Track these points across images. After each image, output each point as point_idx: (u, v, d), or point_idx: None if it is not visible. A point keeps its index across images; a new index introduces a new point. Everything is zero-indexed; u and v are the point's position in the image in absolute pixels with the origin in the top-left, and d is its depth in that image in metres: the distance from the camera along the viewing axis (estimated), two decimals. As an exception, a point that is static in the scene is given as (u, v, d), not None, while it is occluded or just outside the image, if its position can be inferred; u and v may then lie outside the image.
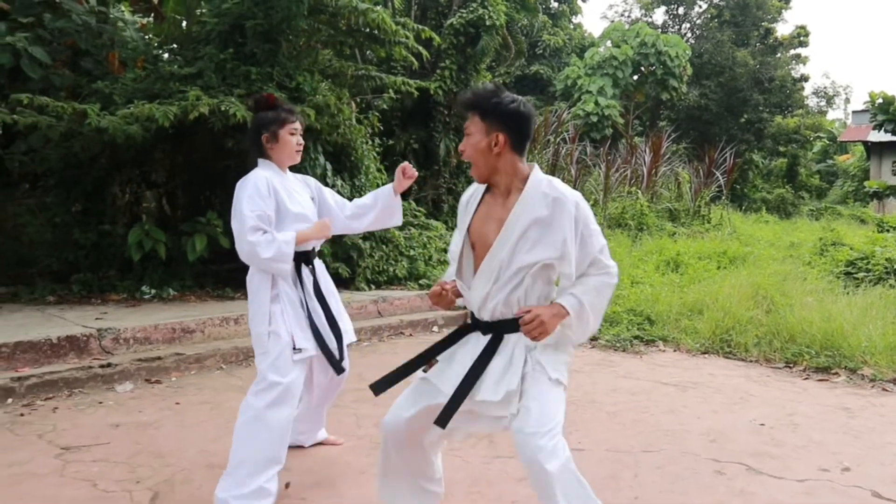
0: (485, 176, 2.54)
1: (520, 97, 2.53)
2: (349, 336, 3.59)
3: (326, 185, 7.39)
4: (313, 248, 3.55)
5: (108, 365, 5.12)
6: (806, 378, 5.71)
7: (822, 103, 36.23)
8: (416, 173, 3.59)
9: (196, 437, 4.07)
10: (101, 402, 4.69)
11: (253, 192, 3.25)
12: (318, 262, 3.60)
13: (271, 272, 3.31)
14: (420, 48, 8.37)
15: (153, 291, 6.90)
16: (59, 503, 3.18)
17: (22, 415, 4.38)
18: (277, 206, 3.33)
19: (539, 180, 2.49)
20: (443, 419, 2.49)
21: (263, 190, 3.27)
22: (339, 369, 3.47)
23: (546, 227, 2.44)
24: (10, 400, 4.58)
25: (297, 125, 3.47)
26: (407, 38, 7.85)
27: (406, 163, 3.62)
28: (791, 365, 6.01)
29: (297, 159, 3.51)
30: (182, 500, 3.25)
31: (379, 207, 3.63)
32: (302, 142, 3.51)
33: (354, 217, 3.68)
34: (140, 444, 3.95)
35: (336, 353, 3.43)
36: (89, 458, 3.73)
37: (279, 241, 3.24)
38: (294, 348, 3.26)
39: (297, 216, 3.40)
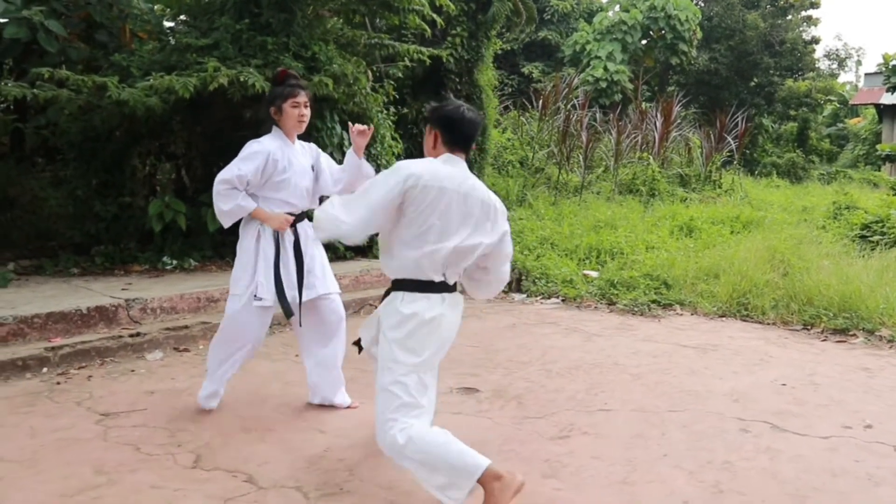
0: None
1: (456, 105, 3.04)
2: (314, 291, 3.94)
3: (343, 153, 7.46)
4: (302, 213, 3.95)
5: (138, 334, 5.22)
6: (824, 340, 5.78)
7: (834, 66, 35.80)
8: (366, 127, 3.89)
9: (230, 403, 4.17)
10: (133, 371, 4.79)
11: (248, 155, 3.77)
12: (307, 226, 3.95)
13: (220, 217, 3.83)
14: (434, 16, 8.32)
15: (174, 262, 6.97)
16: (106, 466, 3.28)
17: (58, 383, 4.49)
18: (271, 174, 3.81)
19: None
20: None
21: (259, 161, 3.76)
22: (287, 314, 3.89)
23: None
24: (45, 369, 4.68)
25: (301, 98, 3.84)
26: (422, 5, 7.81)
27: (356, 124, 3.93)
28: (809, 327, 6.08)
29: (301, 129, 3.93)
30: (223, 463, 3.35)
31: (348, 172, 4.01)
32: (305, 112, 3.87)
33: (337, 183, 4.05)
34: (176, 410, 4.05)
35: (295, 305, 3.88)
36: (129, 423, 3.84)
37: (241, 202, 3.75)
38: (255, 297, 3.79)
39: (281, 182, 3.83)
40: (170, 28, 8.40)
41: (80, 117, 6.79)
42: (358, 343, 3.28)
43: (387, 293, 3.05)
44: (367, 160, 7.78)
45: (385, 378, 2.86)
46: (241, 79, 6.14)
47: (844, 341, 5.70)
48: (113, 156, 7.10)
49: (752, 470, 3.30)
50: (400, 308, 2.87)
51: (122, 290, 5.90)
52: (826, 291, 6.30)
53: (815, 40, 29.66)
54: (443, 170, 2.90)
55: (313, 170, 4.01)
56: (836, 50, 36.85)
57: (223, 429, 3.76)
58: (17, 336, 4.88)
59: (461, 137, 3.00)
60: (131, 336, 5.18)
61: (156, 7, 8.50)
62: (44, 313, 5.04)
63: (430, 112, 3.09)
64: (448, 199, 2.84)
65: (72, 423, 3.83)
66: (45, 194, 7.68)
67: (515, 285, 7.73)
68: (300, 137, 4.05)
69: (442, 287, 2.91)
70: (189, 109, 6.95)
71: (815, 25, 30.01)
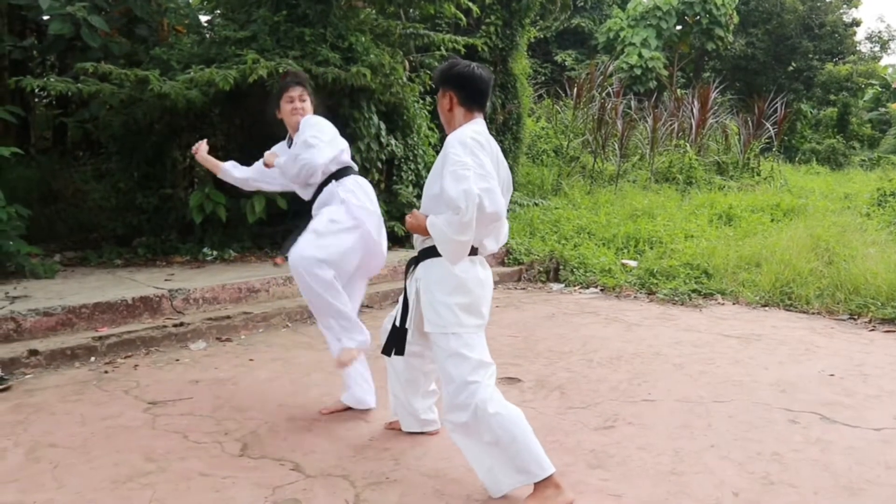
0: (446, 128, 3.01)
1: (465, 63, 2.99)
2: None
3: (381, 144, 7.47)
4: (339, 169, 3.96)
5: (181, 324, 5.29)
6: (872, 329, 5.66)
7: (876, 49, 34.76)
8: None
9: (273, 392, 4.22)
10: (177, 360, 4.86)
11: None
12: (341, 183, 3.92)
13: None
14: (470, 4, 8.28)
15: (215, 253, 7.05)
16: (155, 453, 3.33)
17: (106, 372, 4.57)
18: None
19: (460, 128, 2.88)
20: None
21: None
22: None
23: (437, 166, 2.90)
24: (92, 358, 4.77)
25: (293, 92, 3.93)
26: (460, -6, 7.79)
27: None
28: (856, 317, 5.96)
29: (297, 118, 3.93)
30: (270, 451, 3.38)
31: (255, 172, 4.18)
32: (297, 105, 3.92)
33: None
34: (221, 399, 4.10)
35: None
36: (176, 412, 3.89)
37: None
38: None
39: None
40: (206, 21, 8.48)
41: (122, 111, 6.89)
42: (392, 348, 3.16)
43: (414, 263, 3.06)
44: (405, 149, 7.85)
45: (452, 343, 2.84)
46: (280, 70, 6.17)
47: (893, 331, 5.57)
48: (154, 148, 7.20)
49: (803, 461, 3.24)
50: (457, 272, 2.85)
51: (165, 280, 5.99)
52: (873, 280, 6.16)
53: (856, 22, 28.95)
54: (486, 132, 2.92)
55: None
56: (879, 32, 35.75)
57: (269, 417, 3.80)
58: (66, 326, 4.99)
59: (477, 93, 2.96)
60: (175, 326, 5.25)
61: (191, 1, 8.59)
62: (91, 303, 5.13)
63: (440, 74, 3.03)
64: (496, 163, 2.89)
65: (120, 411, 3.89)
66: (88, 187, 7.82)
67: (553, 275, 7.69)
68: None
69: (476, 250, 2.94)
70: (228, 102, 7.02)
71: (856, 7, 29.33)
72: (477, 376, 2.81)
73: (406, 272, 3.17)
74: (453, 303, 2.85)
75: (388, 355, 3.21)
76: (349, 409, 3.89)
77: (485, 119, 3.02)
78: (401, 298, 3.14)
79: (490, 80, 3.00)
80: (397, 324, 3.13)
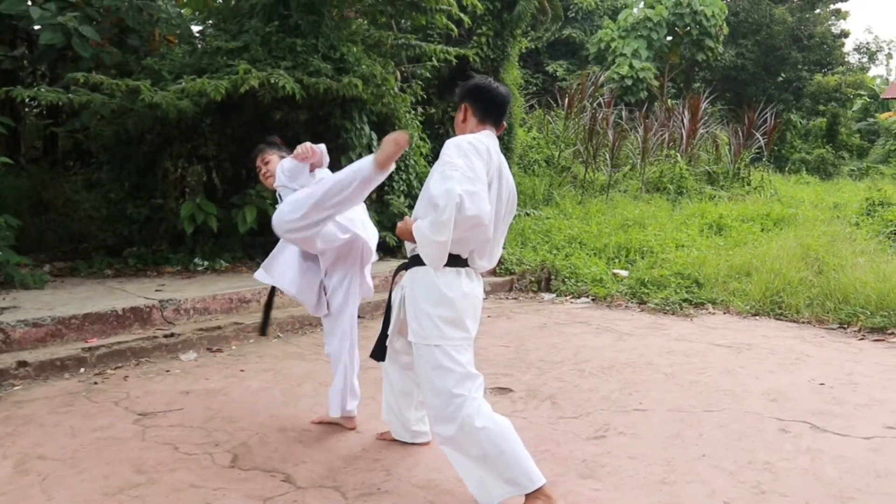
0: None
1: (484, 77, 3.06)
2: None
3: (371, 153, 7.47)
4: None
5: (172, 335, 5.27)
6: (861, 338, 5.69)
7: (864, 59, 35.16)
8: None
9: (264, 403, 4.20)
10: (168, 371, 4.84)
11: None
12: None
13: None
14: (462, 15, 8.33)
15: (206, 263, 7.04)
16: (145, 465, 3.31)
17: (96, 383, 4.54)
18: None
19: (462, 135, 2.90)
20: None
21: None
22: None
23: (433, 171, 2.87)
24: (82, 369, 4.75)
25: (258, 161, 4.04)
26: (451, 5, 7.81)
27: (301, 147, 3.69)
28: (845, 326, 5.99)
29: (271, 181, 3.93)
30: (260, 462, 3.36)
31: None
32: (264, 170, 3.99)
33: None
34: (212, 410, 4.08)
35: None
36: (166, 423, 3.87)
37: None
38: None
39: None
40: (198, 32, 8.49)
41: (113, 121, 6.88)
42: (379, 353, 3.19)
43: (402, 269, 3.05)
44: (397, 159, 7.86)
45: (436, 355, 2.80)
46: (272, 81, 6.18)
47: (883, 340, 5.61)
48: (145, 158, 7.19)
49: (794, 470, 3.25)
50: (438, 284, 2.83)
51: (156, 291, 5.97)
52: (862, 289, 6.20)
53: (845, 34, 29.23)
54: (489, 142, 2.88)
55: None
56: (867, 43, 36.19)
57: (259, 429, 3.78)
58: (56, 337, 4.96)
59: (492, 106, 2.96)
60: (165, 336, 5.23)
61: (183, 11, 8.60)
62: (80, 314, 5.11)
63: (459, 89, 3.06)
64: (493, 173, 2.85)
65: (110, 422, 3.87)
66: (79, 197, 7.80)
67: (545, 285, 7.70)
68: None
69: (466, 262, 2.92)
70: (219, 112, 7.02)
71: (845, 19, 29.63)
72: (463, 389, 2.78)
73: (393, 278, 3.17)
74: (436, 315, 2.82)
75: (376, 360, 3.21)
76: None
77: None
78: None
79: (507, 97, 3.00)
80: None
